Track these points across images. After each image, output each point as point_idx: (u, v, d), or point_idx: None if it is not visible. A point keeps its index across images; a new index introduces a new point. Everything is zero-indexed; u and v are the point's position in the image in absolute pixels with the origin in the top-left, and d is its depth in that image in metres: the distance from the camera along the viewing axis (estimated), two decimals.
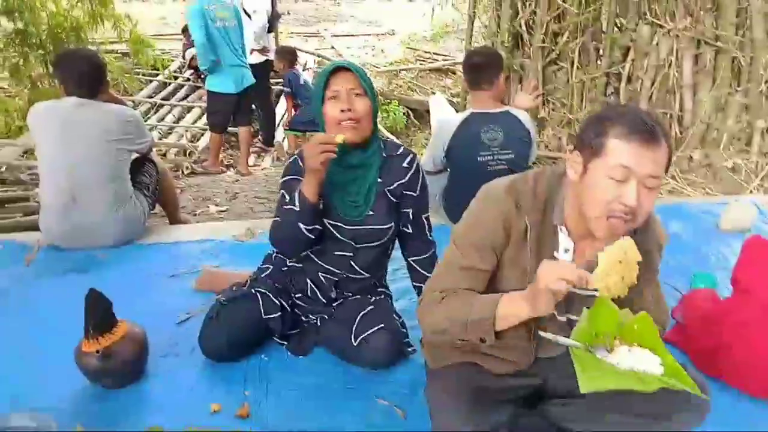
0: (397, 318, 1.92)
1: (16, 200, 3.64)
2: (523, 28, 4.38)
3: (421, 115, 7.25)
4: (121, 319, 1.76)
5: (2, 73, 6.03)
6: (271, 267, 2.00)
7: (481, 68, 2.78)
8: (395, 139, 6.51)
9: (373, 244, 1.83)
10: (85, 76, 2.58)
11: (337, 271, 1.87)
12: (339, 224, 1.80)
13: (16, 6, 4.84)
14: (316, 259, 1.86)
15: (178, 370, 1.86)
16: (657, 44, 4.10)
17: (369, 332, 1.80)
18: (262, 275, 1.99)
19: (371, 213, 1.79)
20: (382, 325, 1.82)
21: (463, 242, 1.44)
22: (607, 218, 1.28)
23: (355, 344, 1.81)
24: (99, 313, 1.66)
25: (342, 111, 1.67)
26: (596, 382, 1.20)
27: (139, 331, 1.80)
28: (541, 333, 1.39)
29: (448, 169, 2.96)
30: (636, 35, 4.17)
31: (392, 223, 1.82)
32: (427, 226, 1.89)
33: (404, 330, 1.92)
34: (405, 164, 1.80)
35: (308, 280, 1.91)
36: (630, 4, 4.15)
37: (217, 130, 4.92)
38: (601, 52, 4.39)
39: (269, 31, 5.17)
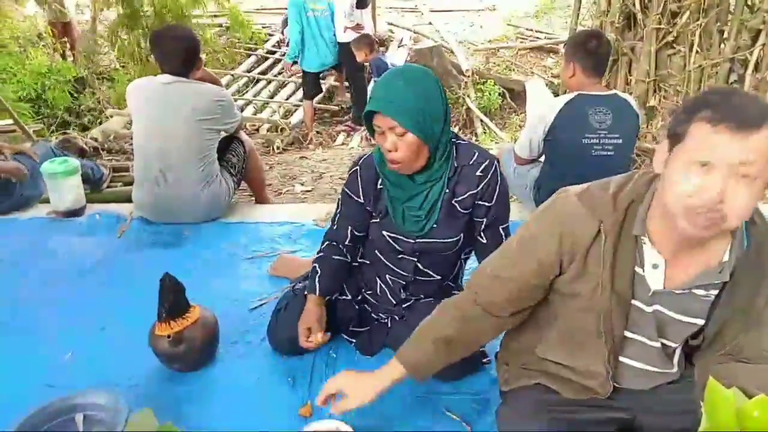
0: None
1: (118, 169, 3.83)
2: (637, 7, 3.99)
3: (517, 95, 6.93)
4: (193, 305, 1.77)
5: (115, 51, 6.42)
6: None
7: (605, 55, 2.59)
8: (488, 121, 6.28)
9: (438, 254, 1.72)
10: (179, 54, 2.60)
11: (404, 273, 1.77)
12: (399, 237, 1.69)
13: None
14: (383, 259, 1.78)
15: (246, 358, 1.86)
16: None
17: None
18: None
19: (435, 226, 1.65)
20: None
21: (513, 249, 1.32)
22: (688, 212, 1.07)
23: None
24: (172, 298, 1.67)
25: (386, 150, 1.53)
26: None
27: (211, 317, 1.80)
28: None
29: (543, 158, 2.77)
30: None
31: (459, 236, 1.68)
32: (504, 237, 1.71)
33: None
34: (479, 173, 1.61)
35: (377, 279, 1.83)
36: None
37: (307, 98, 5.80)
38: (725, 35, 3.92)
39: (360, 7, 5.06)
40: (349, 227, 1.78)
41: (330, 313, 1.84)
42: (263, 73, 6.99)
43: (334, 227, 1.81)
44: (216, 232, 2.68)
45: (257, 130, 5.36)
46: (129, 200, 2.87)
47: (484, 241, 1.71)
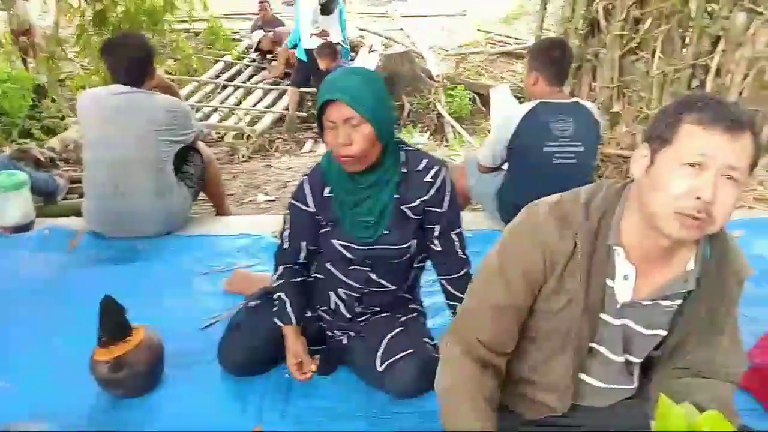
0: (429, 341, 1.75)
1: (76, 180, 3.70)
2: (601, 13, 4.01)
3: (487, 100, 6.93)
4: (138, 326, 1.69)
5: (82, 51, 6.24)
6: None
7: (567, 64, 2.60)
8: (458, 126, 6.27)
9: (390, 262, 1.68)
10: (131, 64, 2.52)
11: (356, 285, 1.72)
12: (350, 245, 1.65)
13: None
14: (335, 272, 1.73)
15: (196, 380, 1.78)
16: (753, 34, 3.65)
17: (396, 358, 1.65)
18: None
19: (386, 232, 1.62)
20: (412, 350, 1.66)
21: (494, 275, 1.25)
22: (675, 214, 1.06)
23: (380, 370, 1.66)
24: (111, 322, 1.59)
25: (342, 144, 1.49)
26: None
27: (156, 339, 1.72)
28: None
29: (506, 166, 2.75)
30: (729, 23, 3.72)
31: (411, 242, 1.64)
32: (458, 243, 1.69)
33: (437, 355, 1.75)
34: (428, 179, 1.60)
35: (330, 294, 1.78)
36: None
37: (293, 85, 6.15)
38: (687, 41, 3.96)
39: (325, 14, 4.98)
40: (302, 242, 1.73)
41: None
42: (230, 79, 6.89)
43: (285, 247, 1.75)
44: (172, 246, 2.59)
45: (222, 137, 5.27)
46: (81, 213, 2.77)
47: (438, 248, 1.69)
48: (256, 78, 7.02)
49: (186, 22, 6.49)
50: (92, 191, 2.59)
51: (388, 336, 1.71)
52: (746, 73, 3.70)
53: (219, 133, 5.27)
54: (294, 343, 1.71)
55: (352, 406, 1.69)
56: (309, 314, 1.83)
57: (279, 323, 1.73)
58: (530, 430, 1.37)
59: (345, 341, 1.81)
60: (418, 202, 1.61)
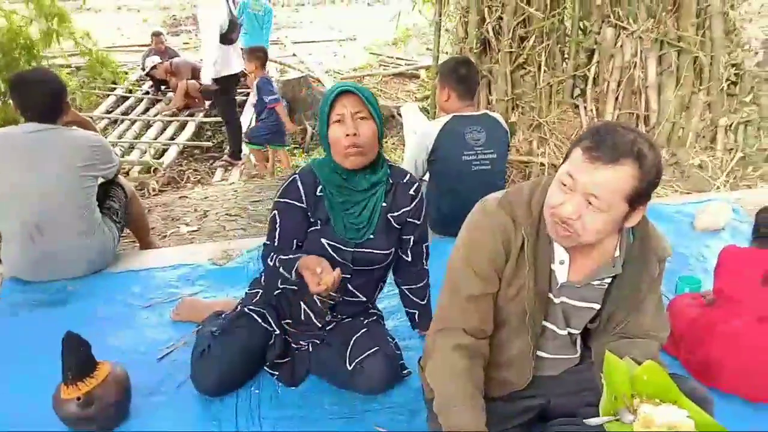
0: (391, 340, 1.87)
1: None
2: (491, 33, 4.37)
3: (387, 120, 7.21)
4: (101, 361, 1.66)
5: None
6: (261, 291, 1.92)
7: (474, 80, 2.84)
8: None
9: (371, 267, 1.78)
10: (44, 101, 2.43)
11: (333, 294, 1.79)
12: (338, 245, 1.73)
13: None
14: None
15: (164, 409, 1.77)
16: (621, 46, 4.16)
17: (364, 356, 1.75)
18: (252, 302, 1.90)
19: (372, 236, 1.73)
20: (378, 348, 1.77)
21: (463, 268, 1.39)
22: (551, 220, 1.27)
23: (350, 369, 1.75)
24: (78, 357, 1.56)
25: (347, 135, 1.60)
26: None
27: (121, 371, 1.70)
28: (586, 421, 1.34)
29: (428, 176, 2.94)
30: (600, 38, 4.22)
31: (392, 249, 1.78)
32: (425, 255, 1.86)
33: (399, 352, 1.88)
34: (411, 192, 1.76)
35: (302, 304, 1.83)
36: (593, 7, 4.21)
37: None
38: (566, 55, 4.43)
39: (227, 43, 4.92)
40: (293, 240, 1.76)
41: (257, 359, 1.83)
42: (126, 113, 6.64)
43: (275, 244, 1.76)
44: (105, 283, 2.50)
45: (127, 173, 5.08)
46: None
47: (408, 259, 1.83)
48: (152, 111, 6.82)
49: (64, 57, 6.22)
50: (12, 236, 2.45)
51: (355, 337, 1.80)
52: (619, 80, 4.20)
53: (124, 168, 5.08)
54: (306, 259, 1.64)
55: (324, 409, 1.76)
56: (277, 331, 1.85)
57: (288, 275, 1.68)
58: (498, 406, 1.51)
59: (310, 349, 1.87)
60: (402, 212, 1.75)
